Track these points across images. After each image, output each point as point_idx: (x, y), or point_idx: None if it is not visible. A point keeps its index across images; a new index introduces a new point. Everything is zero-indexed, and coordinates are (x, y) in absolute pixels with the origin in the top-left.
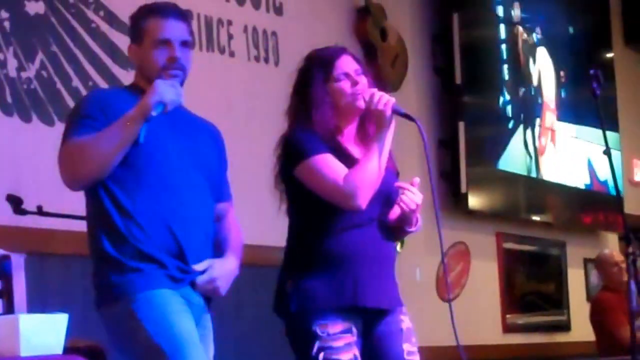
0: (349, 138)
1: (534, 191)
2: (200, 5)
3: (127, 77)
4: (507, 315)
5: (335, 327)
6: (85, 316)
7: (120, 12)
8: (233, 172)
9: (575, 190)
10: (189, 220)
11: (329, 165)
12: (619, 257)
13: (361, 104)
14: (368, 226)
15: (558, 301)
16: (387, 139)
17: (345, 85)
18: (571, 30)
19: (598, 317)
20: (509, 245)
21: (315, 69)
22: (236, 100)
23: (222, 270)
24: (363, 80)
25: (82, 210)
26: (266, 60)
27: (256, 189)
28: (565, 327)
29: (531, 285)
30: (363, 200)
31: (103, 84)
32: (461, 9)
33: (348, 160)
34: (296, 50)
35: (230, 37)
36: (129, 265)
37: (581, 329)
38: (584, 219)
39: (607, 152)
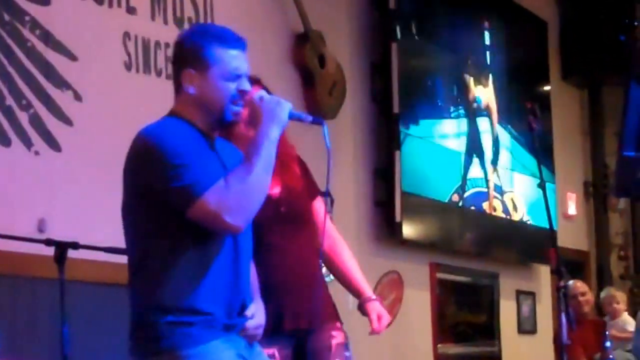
0: None
1: (469, 222)
2: (137, 28)
3: (61, 97)
4: (439, 345)
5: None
6: None
7: (57, 32)
8: None
9: (509, 221)
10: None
11: None
12: (581, 288)
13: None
14: (288, 251)
15: (490, 332)
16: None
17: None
18: (510, 63)
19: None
20: (442, 275)
21: None
22: None
23: (263, 315)
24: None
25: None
26: None
27: None
28: (496, 358)
29: (463, 315)
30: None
31: (37, 103)
32: (400, 38)
33: None
34: None
35: (167, 60)
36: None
37: None
38: (517, 250)
39: (542, 185)
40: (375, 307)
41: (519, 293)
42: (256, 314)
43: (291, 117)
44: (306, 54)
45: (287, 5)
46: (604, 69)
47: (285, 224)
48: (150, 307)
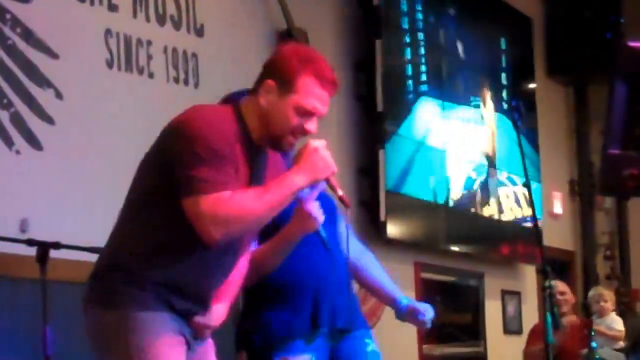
0: None
1: (454, 221)
2: (119, 25)
3: (42, 94)
4: (424, 346)
5: (296, 358)
6: None
7: (38, 29)
8: None
9: (495, 221)
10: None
11: None
12: (560, 287)
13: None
14: (315, 249)
15: (475, 332)
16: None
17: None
18: (494, 60)
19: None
20: (427, 275)
21: None
22: (155, 122)
23: (216, 320)
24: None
25: None
26: (186, 82)
27: None
28: (481, 358)
29: (448, 316)
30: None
31: (18, 102)
32: (384, 36)
33: None
34: (216, 73)
35: (149, 57)
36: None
37: None
38: (503, 250)
39: (527, 184)
40: (416, 303)
41: (504, 293)
42: (211, 315)
43: (327, 181)
44: None
45: (270, 2)
46: (590, 67)
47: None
48: (121, 261)
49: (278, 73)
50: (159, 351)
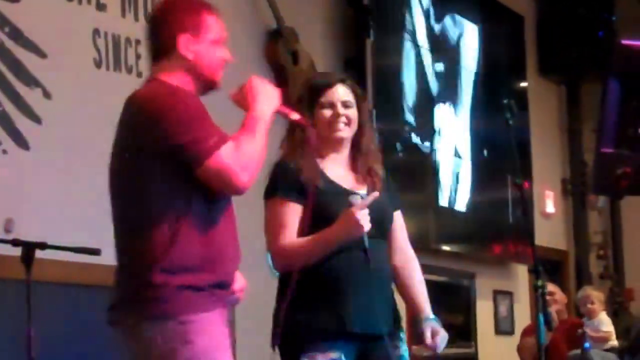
0: (335, 164)
1: (445, 221)
2: (107, 24)
3: (30, 94)
4: (414, 347)
5: (324, 357)
6: None
7: (26, 29)
8: None
9: (486, 220)
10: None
11: (282, 214)
12: (549, 288)
13: (337, 134)
14: (357, 251)
15: (466, 333)
16: None
17: (326, 113)
18: (486, 58)
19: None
20: None
21: (307, 95)
22: None
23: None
24: (351, 113)
25: None
26: None
27: None
28: (473, 359)
29: (440, 316)
30: (277, 268)
31: (5, 101)
32: (375, 35)
33: (332, 185)
34: None
35: (138, 57)
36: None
37: None
38: (494, 250)
39: (519, 183)
40: (431, 324)
41: (496, 293)
42: (239, 280)
43: (279, 112)
44: (279, 51)
45: (260, 1)
46: (582, 65)
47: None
48: (157, 268)
49: (185, 24)
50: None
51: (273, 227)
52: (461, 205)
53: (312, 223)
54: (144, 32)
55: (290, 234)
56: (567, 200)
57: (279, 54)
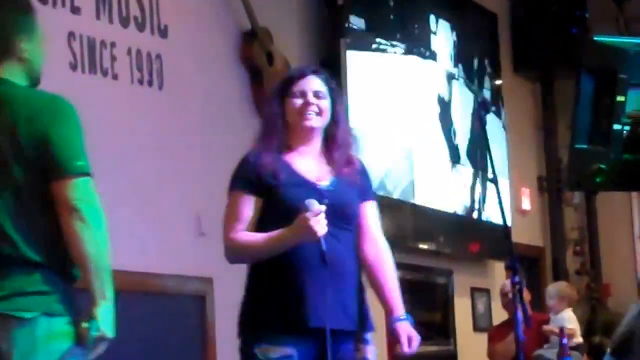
0: (303, 156)
1: (421, 219)
2: (82, 27)
3: None
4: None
5: (276, 351)
6: None
7: None
8: (119, 195)
9: (463, 218)
10: None
11: (236, 207)
12: (509, 287)
13: (307, 123)
14: (315, 246)
15: (445, 331)
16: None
17: (297, 102)
18: (461, 57)
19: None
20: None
21: (278, 85)
22: (119, 124)
23: None
24: (322, 103)
25: None
26: (150, 83)
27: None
28: (452, 356)
29: (418, 314)
30: (228, 259)
31: None
32: (349, 35)
33: (293, 177)
34: (181, 74)
35: (113, 59)
36: None
37: (468, 359)
38: (472, 247)
39: (494, 180)
40: (406, 328)
41: (473, 290)
42: None
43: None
44: (254, 52)
45: (234, 2)
46: (556, 62)
47: (328, 217)
48: None
49: (22, 27)
50: None
51: (227, 219)
52: (438, 203)
53: (270, 215)
54: (119, 34)
55: (242, 227)
56: (543, 197)
57: (254, 54)
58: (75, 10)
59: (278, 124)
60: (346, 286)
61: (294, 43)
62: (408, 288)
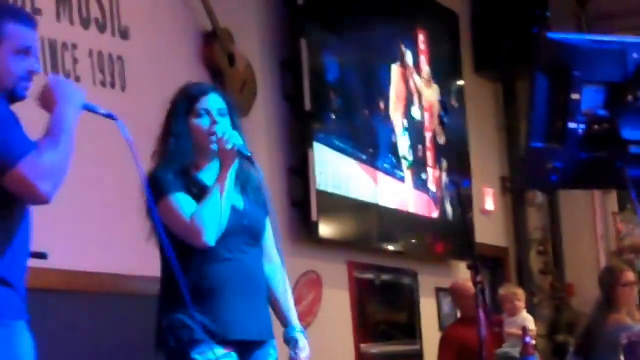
0: (211, 175)
1: (386, 220)
2: (44, 29)
3: None
4: (361, 345)
5: (217, 352)
6: None
7: None
8: (87, 198)
9: (427, 219)
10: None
11: (180, 204)
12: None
13: (214, 146)
14: (236, 259)
15: (411, 331)
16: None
17: (204, 122)
18: (422, 57)
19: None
20: (360, 274)
21: (180, 102)
22: (82, 126)
23: None
24: (225, 121)
25: None
26: (112, 85)
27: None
28: (418, 356)
29: (384, 314)
30: (210, 237)
31: None
32: (310, 35)
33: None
34: (143, 75)
35: (75, 61)
36: None
37: (434, 359)
38: (436, 248)
39: (457, 182)
40: (296, 338)
41: (438, 290)
42: None
43: (85, 107)
44: (215, 53)
45: (194, 3)
46: (518, 62)
47: (244, 236)
48: None
49: None
50: None
51: (178, 217)
52: (402, 205)
53: None
54: (80, 36)
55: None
56: (507, 197)
57: (215, 56)
58: (35, 11)
59: (187, 144)
60: (263, 298)
61: (255, 44)
62: (373, 289)
